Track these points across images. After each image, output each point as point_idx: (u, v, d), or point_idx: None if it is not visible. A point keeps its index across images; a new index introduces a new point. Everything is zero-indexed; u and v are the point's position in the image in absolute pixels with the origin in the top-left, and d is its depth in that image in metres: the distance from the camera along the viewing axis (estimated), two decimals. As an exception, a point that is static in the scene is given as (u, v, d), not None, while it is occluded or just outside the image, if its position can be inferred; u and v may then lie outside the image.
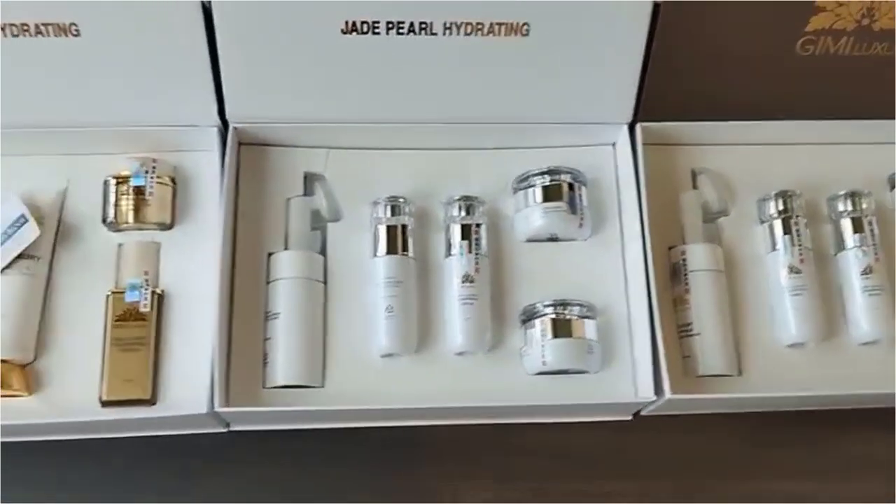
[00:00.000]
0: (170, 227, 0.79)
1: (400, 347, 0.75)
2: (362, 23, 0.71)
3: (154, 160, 0.78)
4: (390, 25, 0.72)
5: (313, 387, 0.75)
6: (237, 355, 0.74)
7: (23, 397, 0.73)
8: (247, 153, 0.80)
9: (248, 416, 0.74)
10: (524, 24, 0.72)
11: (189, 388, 0.73)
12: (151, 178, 0.78)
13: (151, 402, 0.73)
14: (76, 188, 0.79)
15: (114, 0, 0.70)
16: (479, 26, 0.72)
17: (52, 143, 0.79)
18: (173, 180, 0.79)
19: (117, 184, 0.78)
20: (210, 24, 0.71)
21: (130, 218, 0.77)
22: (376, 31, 0.72)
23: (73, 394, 0.73)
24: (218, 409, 0.69)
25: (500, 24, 0.72)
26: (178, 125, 0.78)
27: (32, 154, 0.79)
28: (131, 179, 0.77)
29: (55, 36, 0.71)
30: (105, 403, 0.73)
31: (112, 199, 0.78)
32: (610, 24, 0.73)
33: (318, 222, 0.80)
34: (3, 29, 0.70)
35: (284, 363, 0.74)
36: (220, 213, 0.75)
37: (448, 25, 0.72)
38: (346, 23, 0.71)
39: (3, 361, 0.72)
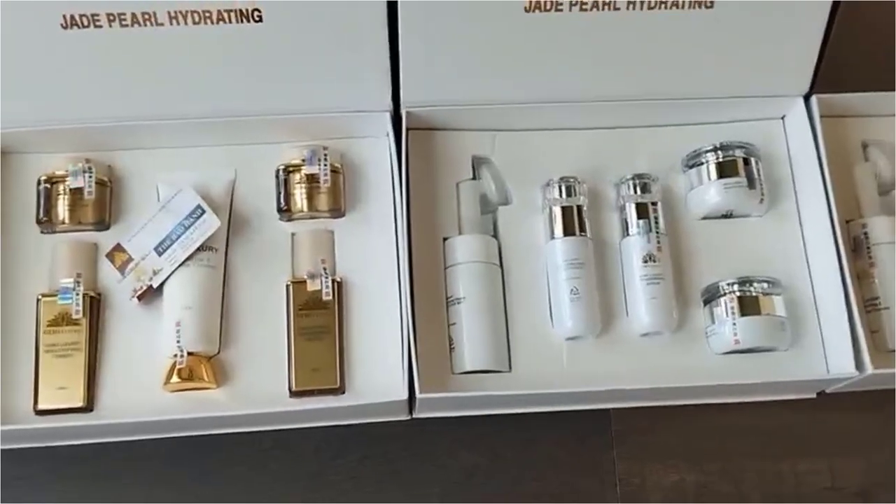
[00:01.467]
0: (342, 214, 0.78)
1: (585, 329, 0.74)
2: (547, 1, 0.71)
3: (325, 148, 0.77)
4: (573, 3, 0.71)
5: (501, 371, 0.74)
6: (423, 341, 0.73)
7: (211, 389, 0.72)
8: (416, 138, 0.79)
9: (441, 403, 0.73)
10: (709, -3, 0.72)
11: (376, 376, 0.73)
12: (325, 165, 0.77)
13: (340, 390, 0.73)
14: (244, 179, 0.78)
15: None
16: (663, 1, 0.72)
17: (219, 132, 0.78)
18: (342, 167, 0.78)
19: (289, 173, 0.77)
20: (392, 7, 0.70)
21: (304, 206, 0.76)
22: (559, 8, 0.71)
23: (261, 385, 0.73)
24: (420, 395, 0.69)
25: (686, -4, 0.72)
26: (349, 111, 0.76)
27: (200, 145, 0.79)
28: (304, 168, 0.76)
29: (237, 22, 0.70)
30: (294, 394, 0.73)
31: (284, 187, 0.77)
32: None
33: (486, 206, 0.79)
34: (183, 16, 0.69)
35: (472, 348, 0.73)
36: (397, 198, 0.74)
37: (633, 1, 0.71)
38: (531, 2, 0.71)
39: (190, 354, 0.72)
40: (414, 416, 0.76)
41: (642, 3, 0.71)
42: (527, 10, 0.71)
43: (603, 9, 0.71)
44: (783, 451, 0.76)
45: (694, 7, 0.71)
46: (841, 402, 0.77)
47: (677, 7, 0.71)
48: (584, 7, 0.71)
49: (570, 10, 0.71)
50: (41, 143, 0.77)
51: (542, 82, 0.76)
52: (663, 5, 0.71)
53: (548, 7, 0.70)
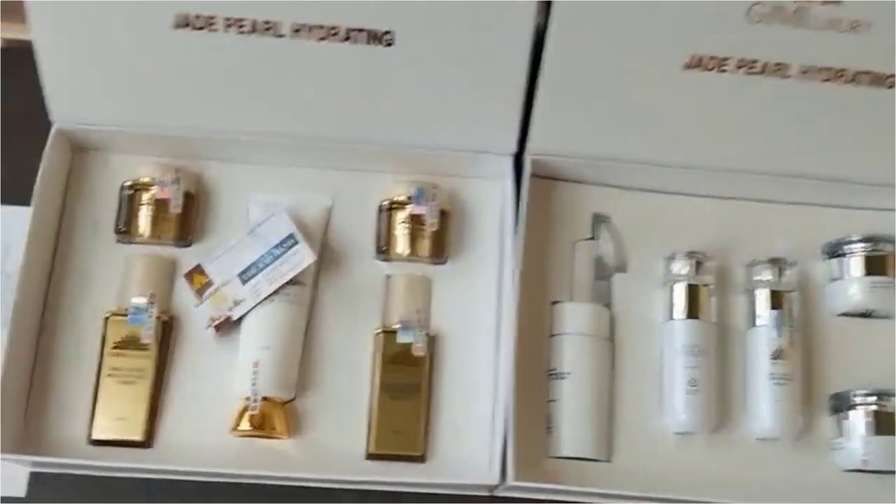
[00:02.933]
0: (444, 261, 0.71)
1: (699, 426, 0.67)
2: (710, 58, 0.63)
3: (435, 186, 0.70)
4: (740, 65, 0.63)
5: (600, 460, 0.67)
6: (519, 416, 0.65)
7: (280, 439, 0.66)
8: (535, 186, 0.71)
9: (533, 490, 0.66)
10: (890, 76, 0.64)
11: (461, 446, 0.67)
12: (434, 205, 0.70)
13: (422, 458, 0.66)
14: (340, 208, 0.72)
15: (436, 9, 0.62)
16: (841, 74, 0.64)
17: (323, 155, 0.71)
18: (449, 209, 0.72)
19: (392, 210, 0.70)
20: (538, 44, 0.63)
21: (405, 249, 0.69)
22: (723, 68, 0.63)
23: (336, 440, 0.66)
24: (511, 482, 0.62)
25: (865, 73, 0.64)
26: (469, 150, 0.69)
27: (299, 165, 0.72)
28: (410, 206, 0.69)
29: (365, 43, 0.63)
30: (371, 456, 0.66)
31: (386, 225, 0.70)
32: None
33: (602, 271, 0.72)
34: (309, 30, 0.63)
35: (572, 432, 0.66)
36: (507, 251, 0.68)
37: (805, 69, 0.64)
38: (692, 59, 0.63)
39: (264, 399, 0.65)
40: (495, 493, 0.69)
41: (817, 71, 0.63)
42: (686, 67, 0.63)
43: (772, 74, 0.64)
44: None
45: (875, 85, 0.64)
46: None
47: (853, 83, 0.64)
48: (751, 70, 0.63)
49: (736, 72, 0.63)
50: (129, 145, 0.70)
51: (684, 144, 0.69)
52: (841, 78, 0.64)
53: (710, 67, 0.63)
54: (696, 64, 0.63)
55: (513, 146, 0.69)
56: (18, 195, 0.70)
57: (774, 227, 0.73)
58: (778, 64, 0.63)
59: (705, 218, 0.73)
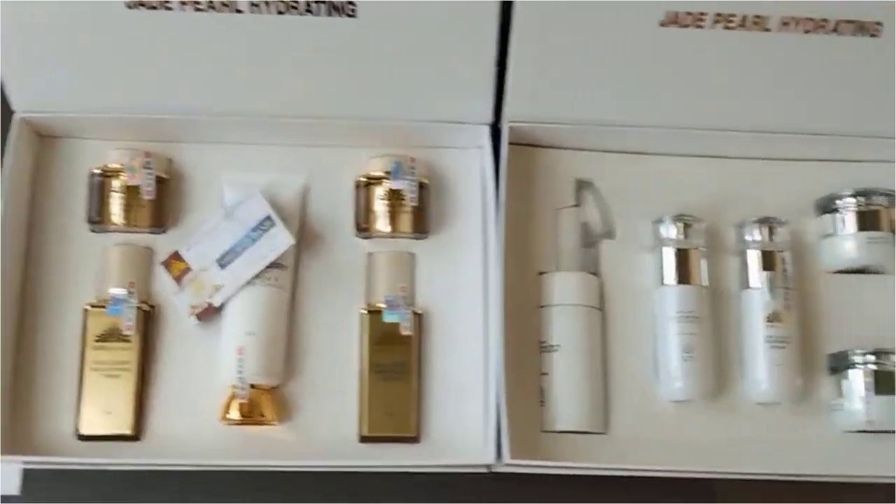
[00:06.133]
0: (426, 235, 0.69)
1: (696, 393, 0.65)
2: (686, 14, 0.61)
3: (412, 159, 0.69)
4: (718, 19, 0.61)
5: (596, 433, 0.66)
6: (511, 392, 0.64)
7: (271, 426, 0.65)
8: (515, 154, 0.69)
9: (530, 468, 0.64)
10: (876, 22, 0.62)
11: (455, 425, 0.65)
12: (411, 179, 0.68)
13: (416, 439, 0.65)
14: (317, 185, 0.70)
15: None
16: (823, 23, 0.61)
17: (296, 132, 0.69)
18: (428, 181, 0.69)
19: (370, 185, 0.68)
20: (506, 10, 0.61)
21: (386, 225, 0.68)
22: (700, 24, 0.61)
23: (327, 425, 0.65)
24: (507, 461, 0.60)
25: (848, 22, 0.61)
26: (444, 121, 0.67)
27: (272, 144, 0.70)
28: (390, 181, 0.68)
29: (327, 15, 0.61)
30: (365, 439, 0.65)
31: (364, 202, 0.68)
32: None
33: (588, 238, 0.70)
34: (266, 4, 0.61)
35: (566, 406, 0.65)
36: (494, 224, 0.65)
37: (786, 21, 0.61)
38: (668, 16, 0.61)
39: (252, 386, 0.64)
40: (493, 469, 0.68)
41: (797, 22, 0.61)
42: (663, 25, 0.61)
43: (751, 27, 0.61)
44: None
45: (858, 33, 0.62)
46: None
47: (836, 32, 0.62)
48: (730, 24, 0.61)
49: (713, 26, 0.61)
50: (96, 130, 0.68)
51: (667, 104, 0.67)
52: (822, 29, 0.61)
53: (687, 23, 0.61)
54: (673, 20, 0.61)
55: (489, 115, 0.67)
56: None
57: (764, 185, 0.72)
58: (757, 17, 0.61)
59: (693, 178, 0.71)
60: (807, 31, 0.61)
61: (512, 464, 0.61)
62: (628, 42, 0.63)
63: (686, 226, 0.67)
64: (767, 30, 0.61)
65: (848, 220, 0.68)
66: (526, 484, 0.66)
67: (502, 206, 0.65)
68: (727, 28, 0.61)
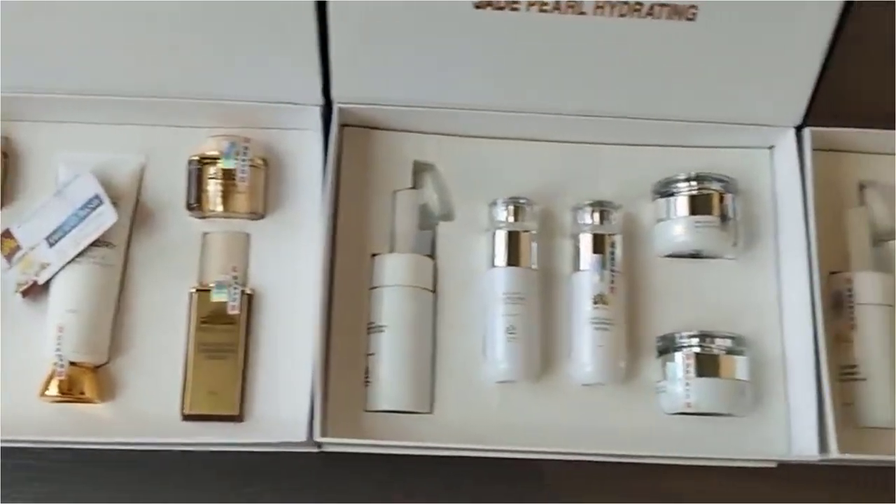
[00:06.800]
0: (261, 216, 0.69)
1: (520, 373, 0.66)
2: (501, -2, 0.62)
3: (246, 139, 0.68)
4: (532, 2, 0.61)
5: (420, 412, 0.66)
6: (336, 372, 0.65)
7: (94, 404, 0.65)
8: (350, 136, 0.70)
9: (351, 445, 0.65)
10: (691, 6, 0.62)
11: (281, 405, 0.65)
12: (244, 160, 0.68)
13: (239, 418, 0.65)
14: (155, 165, 0.70)
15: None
16: (638, 7, 0.61)
17: (134, 111, 0.69)
18: (265, 163, 0.69)
19: (203, 165, 0.68)
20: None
21: (218, 205, 0.68)
22: (515, 6, 0.61)
23: (151, 403, 0.65)
24: (318, 439, 0.61)
25: (662, 6, 0.61)
26: (275, 101, 0.67)
27: (111, 123, 0.70)
28: (221, 161, 0.68)
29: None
30: (187, 417, 0.65)
31: (197, 182, 0.68)
32: (791, 15, 0.62)
33: (426, 220, 0.70)
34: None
35: (389, 386, 0.65)
36: (322, 205, 0.66)
37: (601, 4, 0.61)
38: (482, -3, 0.61)
39: (72, 364, 0.64)
40: (323, 449, 0.68)
41: (612, 7, 0.61)
42: (477, 7, 0.61)
43: (565, 11, 0.61)
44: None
45: (673, 18, 0.61)
46: (811, 472, 0.67)
47: (652, 16, 0.61)
48: (544, 8, 0.61)
49: (528, 9, 0.61)
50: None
51: (489, 87, 0.67)
52: (636, 13, 0.61)
53: (501, 6, 0.61)
54: (487, 3, 0.60)
55: (318, 96, 0.67)
56: None
57: (604, 169, 0.72)
58: (571, 1, 0.61)
59: (532, 163, 0.72)
60: (622, 15, 0.61)
61: (324, 441, 0.61)
62: (444, 24, 0.62)
63: (517, 209, 0.68)
64: (583, 13, 0.61)
65: (679, 204, 0.68)
66: (352, 464, 0.66)
67: (328, 188, 0.66)
68: (542, 11, 0.61)
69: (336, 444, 0.63)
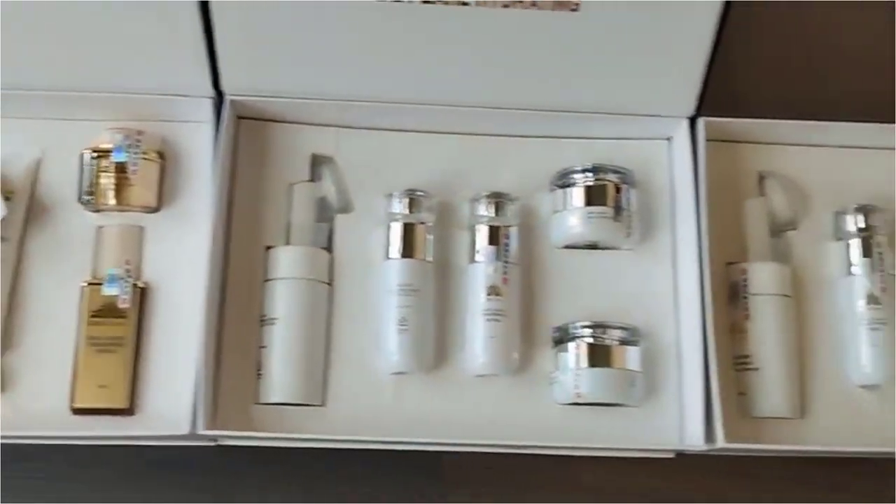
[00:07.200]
0: (155, 209, 0.69)
1: (413, 365, 0.65)
2: (389, -13, 0.61)
3: (139, 132, 0.68)
4: (420, -8, 0.61)
5: (313, 405, 0.66)
6: (227, 365, 0.65)
7: (-17, 398, 0.65)
8: (247, 129, 0.70)
9: (237, 437, 0.64)
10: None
11: (172, 398, 0.64)
12: (136, 153, 0.67)
13: (129, 411, 0.64)
14: (51, 159, 0.69)
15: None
16: (521, -1, 0.62)
17: (32, 105, 0.68)
18: (161, 155, 0.69)
19: (95, 158, 0.67)
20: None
21: (111, 199, 0.67)
22: (399, -2, 0.61)
23: (41, 397, 0.64)
24: (201, 431, 0.60)
25: (545, -3, 0.62)
26: (166, 94, 0.67)
27: (8, 117, 0.69)
28: (113, 154, 0.67)
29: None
30: (76, 411, 0.64)
31: (89, 175, 0.67)
32: (675, 5, 0.62)
33: (324, 213, 0.70)
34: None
35: (281, 378, 0.65)
36: (212, 198, 0.65)
37: (484, -3, 0.62)
38: (369, -14, 0.61)
39: (-40, 357, 0.64)
40: (220, 443, 0.68)
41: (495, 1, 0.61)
42: (367, -3, 0.61)
43: (452, 3, 0.61)
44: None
45: (559, 9, 0.61)
46: (704, 463, 0.67)
47: (537, 7, 0.61)
48: (429, -1, 0.61)
49: (418, 1, 0.61)
50: None
51: (387, 79, 0.67)
52: (520, 4, 0.61)
53: (391, -5, 0.61)
54: (376, -7, 0.61)
55: (209, 88, 0.66)
56: None
57: (505, 162, 0.72)
58: (455, -9, 0.61)
59: (432, 155, 0.71)
60: (505, 6, 0.61)
61: (209, 434, 0.61)
62: (335, 16, 0.62)
63: (412, 201, 0.67)
64: (465, 3, 0.61)
65: (575, 195, 0.68)
66: (249, 458, 0.66)
67: (216, 180, 0.65)
68: (427, 3, 0.61)
69: (226, 436, 0.63)
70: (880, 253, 0.67)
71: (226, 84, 0.66)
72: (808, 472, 0.69)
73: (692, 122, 0.69)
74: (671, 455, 0.68)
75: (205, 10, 0.62)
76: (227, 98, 0.67)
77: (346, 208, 0.70)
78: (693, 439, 0.63)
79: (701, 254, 0.65)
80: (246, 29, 0.63)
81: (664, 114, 0.68)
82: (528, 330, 0.68)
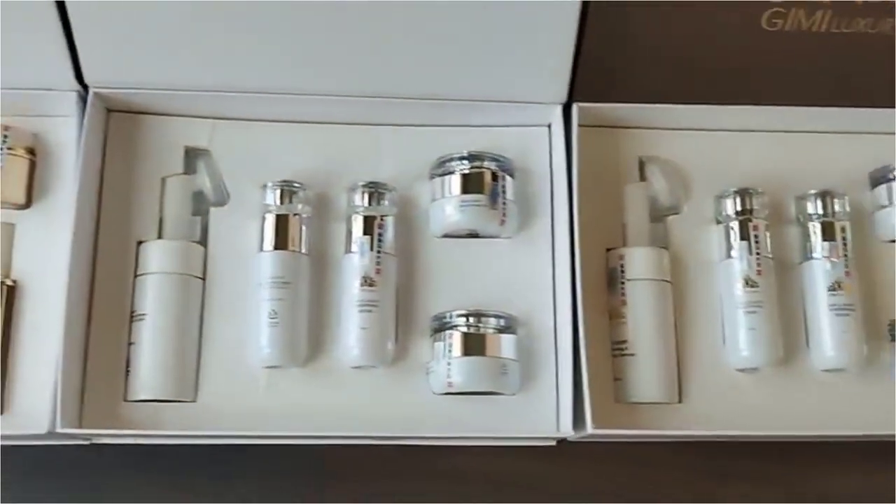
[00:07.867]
0: (25, 206, 0.67)
1: (286, 358, 0.65)
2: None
3: (6, 128, 0.66)
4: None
5: (183, 401, 0.65)
6: (95, 362, 0.64)
7: None
8: (117, 122, 0.69)
9: (103, 435, 0.64)
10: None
11: (38, 398, 0.62)
12: (2, 149, 0.66)
13: (-1, 410, 0.64)
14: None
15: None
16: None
17: None
18: (31, 151, 0.67)
19: (-36, 154, 0.67)
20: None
21: (-23, 195, 0.67)
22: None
23: None
24: (60, 429, 0.59)
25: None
26: (30, 88, 0.66)
27: None
28: (-21, 150, 0.67)
29: None
30: (-60, 412, 0.64)
31: (-44, 172, 0.67)
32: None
33: (199, 206, 0.69)
34: None
35: (150, 374, 0.64)
36: (79, 193, 0.64)
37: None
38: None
39: None
40: (93, 441, 0.67)
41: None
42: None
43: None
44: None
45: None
46: (586, 450, 0.68)
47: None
48: (293, -10, 0.60)
49: (278, -10, 0.61)
50: None
51: (261, 68, 0.66)
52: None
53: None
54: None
55: (72, 81, 0.65)
56: None
57: (383, 151, 0.71)
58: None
59: (309, 145, 0.70)
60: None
61: (67, 433, 0.60)
62: (206, 6, 0.61)
63: (285, 192, 0.66)
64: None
65: (452, 183, 0.68)
66: (125, 456, 0.66)
67: (80, 174, 0.64)
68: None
69: (90, 434, 0.62)
70: (756, 236, 0.68)
71: (88, 76, 0.65)
72: (692, 457, 0.69)
73: (567, 108, 0.68)
74: (552, 443, 0.68)
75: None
76: (92, 90, 0.65)
77: (221, 201, 0.69)
78: (565, 426, 0.63)
79: (573, 240, 0.65)
80: (103, 20, 0.62)
81: (539, 100, 0.68)
82: (408, 320, 0.67)
